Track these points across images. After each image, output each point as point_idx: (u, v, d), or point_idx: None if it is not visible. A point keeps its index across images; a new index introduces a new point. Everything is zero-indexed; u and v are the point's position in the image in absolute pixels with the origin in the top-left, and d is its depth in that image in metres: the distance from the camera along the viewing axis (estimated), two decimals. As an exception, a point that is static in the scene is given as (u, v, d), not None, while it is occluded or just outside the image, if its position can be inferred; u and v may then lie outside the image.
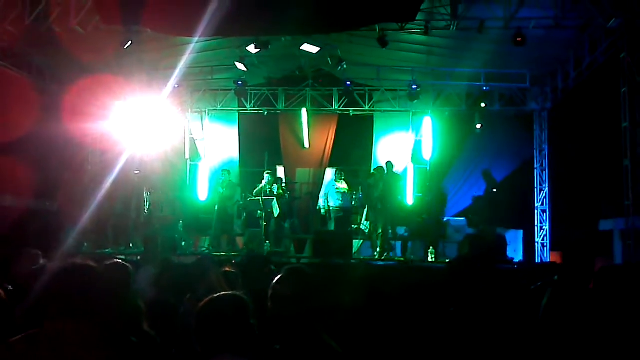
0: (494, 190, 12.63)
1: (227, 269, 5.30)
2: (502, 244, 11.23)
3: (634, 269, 4.37)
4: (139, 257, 11.83)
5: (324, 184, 16.45)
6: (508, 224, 13.96)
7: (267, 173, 13.79)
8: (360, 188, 14.53)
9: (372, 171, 14.43)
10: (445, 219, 13.29)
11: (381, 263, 11.62)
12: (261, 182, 13.62)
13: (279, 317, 2.99)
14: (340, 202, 13.93)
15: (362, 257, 13.02)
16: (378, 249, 12.63)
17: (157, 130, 15.45)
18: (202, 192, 16.22)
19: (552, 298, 4.03)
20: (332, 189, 14.24)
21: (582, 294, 4.06)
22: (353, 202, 14.24)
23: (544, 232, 15.14)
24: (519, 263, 12.37)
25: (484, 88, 14.85)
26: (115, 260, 4.95)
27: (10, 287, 4.52)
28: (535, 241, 15.15)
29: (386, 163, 13.61)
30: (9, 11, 10.83)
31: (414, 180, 15.80)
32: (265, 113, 16.46)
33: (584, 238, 12.47)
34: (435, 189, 13.56)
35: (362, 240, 14.02)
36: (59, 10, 10.80)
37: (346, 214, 14.03)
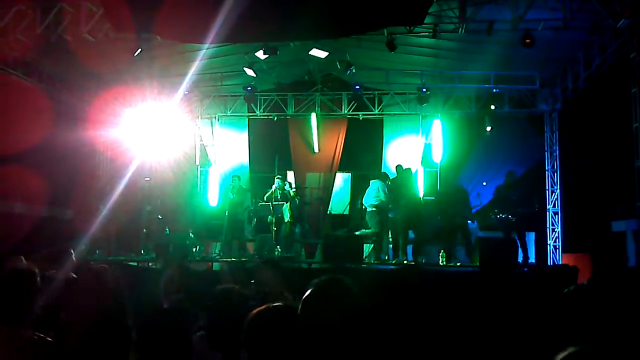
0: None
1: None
2: (513, 248, 11.17)
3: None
4: (150, 264, 11.95)
5: (334, 188, 16.51)
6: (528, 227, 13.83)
7: (277, 178, 13.82)
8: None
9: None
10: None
11: (392, 267, 11.60)
12: (271, 187, 13.64)
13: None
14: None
15: (372, 261, 12.99)
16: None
17: (168, 137, 15.51)
18: (213, 198, 16.26)
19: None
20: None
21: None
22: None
23: (556, 234, 15.05)
24: (532, 266, 12.30)
25: (494, 90, 14.83)
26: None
27: None
28: (547, 243, 15.06)
29: (396, 167, 13.59)
30: (19, 20, 10.92)
31: (424, 183, 15.76)
32: (275, 118, 16.49)
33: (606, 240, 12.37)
34: (452, 189, 13.32)
35: (372, 245, 13.98)
36: (69, 18, 10.91)
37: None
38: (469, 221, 13.37)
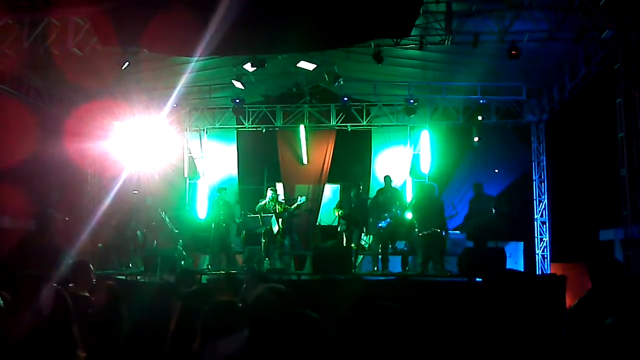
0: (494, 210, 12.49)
1: None
2: (501, 258, 11.18)
3: None
4: (138, 277, 11.89)
5: (323, 199, 16.53)
6: (508, 236, 13.88)
7: (271, 190, 13.71)
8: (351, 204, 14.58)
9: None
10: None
11: (381, 278, 11.59)
12: (265, 198, 13.52)
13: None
14: None
15: (362, 273, 12.97)
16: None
17: (156, 150, 15.49)
18: (201, 210, 16.22)
19: None
20: None
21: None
22: None
23: (544, 244, 15.12)
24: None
25: (481, 101, 14.93)
26: None
27: None
28: (535, 253, 15.12)
29: (384, 178, 13.61)
30: (6, 35, 10.90)
31: (412, 194, 15.78)
32: (264, 130, 16.51)
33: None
34: (433, 200, 13.24)
35: (362, 256, 13.97)
36: (56, 32, 10.89)
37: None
38: (457, 231, 13.41)
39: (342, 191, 16.58)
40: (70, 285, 5.93)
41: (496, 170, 13.29)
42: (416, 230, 12.34)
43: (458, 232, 13.84)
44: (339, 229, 13.08)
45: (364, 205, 12.91)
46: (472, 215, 12.83)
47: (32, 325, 2.95)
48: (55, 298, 3.15)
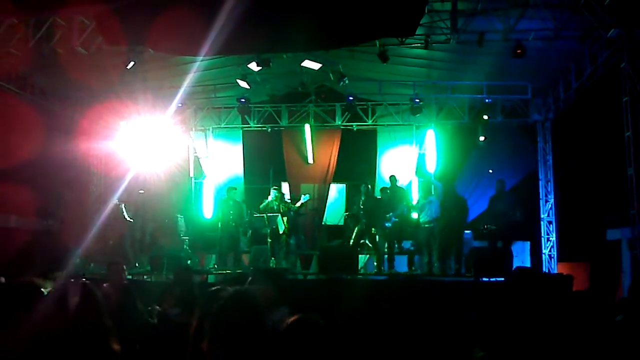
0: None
1: None
2: (509, 257, 11.16)
3: None
4: (145, 277, 11.90)
5: (329, 199, 16.51)
6: (515, 236, 13.82)
7: (274, 189, 13.74)
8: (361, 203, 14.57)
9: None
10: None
11: (385, 277, 11.58)
12: (268, 198, 13.55)
13: None
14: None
15: (368, 272, 12.97)
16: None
17: (161, 149, 15.49)
18: (207, 210, 16.23)
19: None
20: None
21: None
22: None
23: (551, 244, 15.06)
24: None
25: (486, 100, 14.87)
26: None
27: None
28: (542, 252, 15.06)
29: (390, 177, 13.59)
30: (12, 34, 10.93)
31: (418, 193, 15.74)
32: (269, 130, 16.51)
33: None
34: (454, 198, 12.90)
35: (368, 256, 13.96)
36: (61, 32, 10.93)
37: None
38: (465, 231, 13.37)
39: (350, 191, 16.57)
40: (105, 285, 6.04)
41: (490, 171, 13.24)
42: (421, 222, 12.35)
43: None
44: (357, 228, 13.00)
45: (376, 202, 12.94)
46: (496, 214, 12.74)
47: (61, 318, 2.96)
48: (83, 291, 3.17)
